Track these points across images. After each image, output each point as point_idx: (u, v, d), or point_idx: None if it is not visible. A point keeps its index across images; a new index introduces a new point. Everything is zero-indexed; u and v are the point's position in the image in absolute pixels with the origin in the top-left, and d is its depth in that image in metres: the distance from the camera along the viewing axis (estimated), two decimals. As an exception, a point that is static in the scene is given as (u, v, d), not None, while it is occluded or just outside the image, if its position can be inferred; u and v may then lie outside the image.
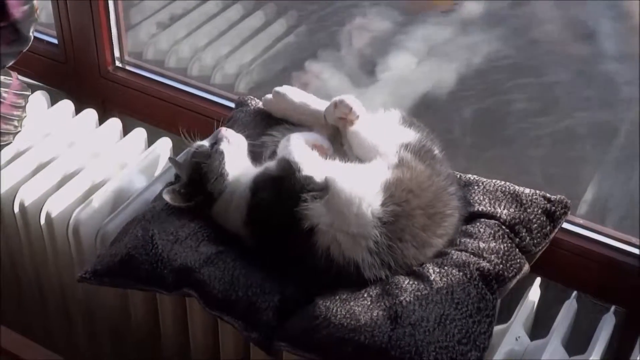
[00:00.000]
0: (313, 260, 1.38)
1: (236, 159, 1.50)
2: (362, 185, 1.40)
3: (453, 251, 1.44)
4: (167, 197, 1.49)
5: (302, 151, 1.43)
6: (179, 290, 1.46)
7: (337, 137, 1.54)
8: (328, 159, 1.46)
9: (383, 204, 1.38)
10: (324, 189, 1.39)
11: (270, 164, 1.45)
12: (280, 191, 1.40)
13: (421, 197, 1.40)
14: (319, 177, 1.40)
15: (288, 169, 1.40)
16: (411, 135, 1.48)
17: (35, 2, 1.45)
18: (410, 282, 1.38)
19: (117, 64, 2.02)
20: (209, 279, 1.42)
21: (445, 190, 1.45)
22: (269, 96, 1.66)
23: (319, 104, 1.57)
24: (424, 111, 1.85)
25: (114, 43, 1.99)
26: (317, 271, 1.39)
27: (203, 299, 1.43)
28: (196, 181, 1.49)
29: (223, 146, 1.49)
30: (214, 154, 1.48)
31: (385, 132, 1.49)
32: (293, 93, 1.62)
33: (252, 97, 1.74)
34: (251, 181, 1.45)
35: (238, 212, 1.45)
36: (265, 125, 1.64)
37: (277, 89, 1.63)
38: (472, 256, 1.42)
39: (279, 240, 1.41)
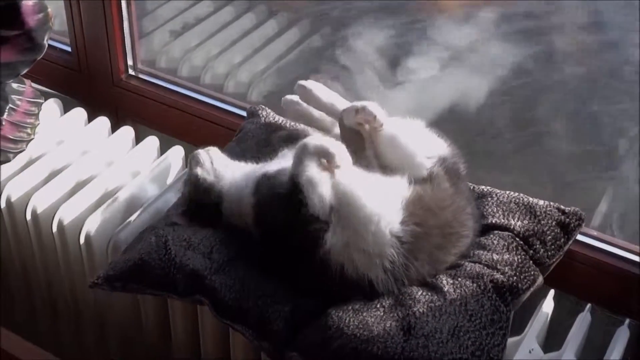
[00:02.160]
0: (325, 276, 1.37)
1: (218, 169, 1.51)
2: (382, 202, 1.38)
3: (467, 263, 1.43)
4: (181, 221, 1.51)
5: (313, 173, 1.37)
6: (191, 296, 1.46)
7: (354, 140, 1.51)
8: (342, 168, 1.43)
9: (403, 223, 1.37)
10: (332, 220, 1.36)
11: (279, 174, 1.42)
12: (287, 214, 1.38)
13: (439, 217, 1.39)
14: (325, 212, 1.36)
15: (295, 194, 1.36)
16: (445, 148, 1.47)
17: (49, 10, 1.46)
18: (424, 293, 1.37)
19: (130, 72, 2.03)
20: (220, 286, 1.42)
21: (464, 210, 1.44)
22: (289, 97, 1.64)
23: (345, 104, 1.54)
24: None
25: (127, 51, 2.00)
26: (328, 285, 1.38)
27: (214, 306, 1.43)
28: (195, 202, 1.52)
29: (194, 170, 1.51)
30: (186, 182, 1.53)
31: (422, 141, 1.46)
32: (319, 89, 1.58)
33: (263, 106, 1.74)
34: (253, 186, 1.43)
35: (246, 215, 1.45)
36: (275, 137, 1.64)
37: (302, 82, 1.59)
38: (485, 268, 1.42)
39: (289, 251, 1.40)
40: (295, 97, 1.63)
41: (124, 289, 1.52)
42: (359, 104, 1.48)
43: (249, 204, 1.44)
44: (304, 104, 1.62)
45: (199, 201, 1.51)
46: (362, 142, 1.50)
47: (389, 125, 1.47)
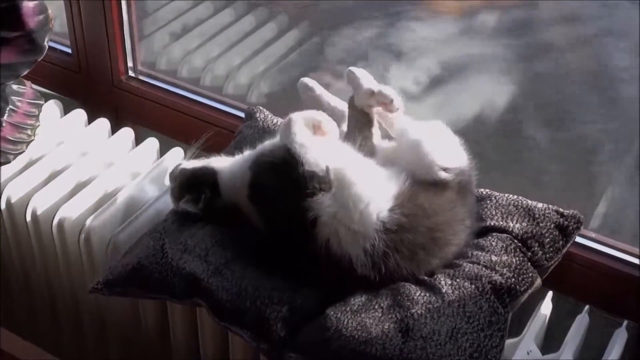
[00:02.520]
0: (313, 249, 1.38)
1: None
2: (375, 186, 1.39)
3: (465, 263, 1.43)
4: (186, 206, 1.51)
5: (304, 138, 1.40)
6: (188, 300, 1.46)
7: (360, 126, 1.53)
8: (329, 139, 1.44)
9: (391, 210, 1.38)
10: (329, 181, 1.38)
11: (269, 146, 1.45)
12: (282, 180, 1.40)
13: (431, 218, 1.39)
14: (322, 169, 1.38)
15: (290, 160, 1.39)
16: (465, 160, 1.47)
17: (50, 12, 1.46)
18: (422, 294, 1.38)
19: (130, 73, 2.03)
20: (217, 289, 1.42)
21: (462, 222, 1.44)
22: (306, 80, 1.64)
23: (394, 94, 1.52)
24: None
25: (127, 53, 2.00)
26: (315, 261, 1.39)
27: (212, 309, 1.43)
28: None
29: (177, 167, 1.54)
30: (171, 176, 1.55)
31: (445, 150, 1.45)
32: (365, 77, 1.55)
33: (260, 108, 1.75)
34: (251, 161, 1.45)
35: (241, 191, 1.45)
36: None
37: (353, 68, 1.56)
38: (484, 269, 1.42)
39: (283, 223, 1.41)
40: (310, 82, 1.63)
41: (124, 294, 1.52)
42: (374, 87, 1.49)
43: (245, 181, 1.45)
44: (317, 91, 1.63)
45: (194, 182, 1.52)
46: (368, 130, 1.52)
47: (413, 130, 1.47)
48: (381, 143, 1.54)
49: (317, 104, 1.62)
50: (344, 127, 1.57)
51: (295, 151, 1.39)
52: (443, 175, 1.42)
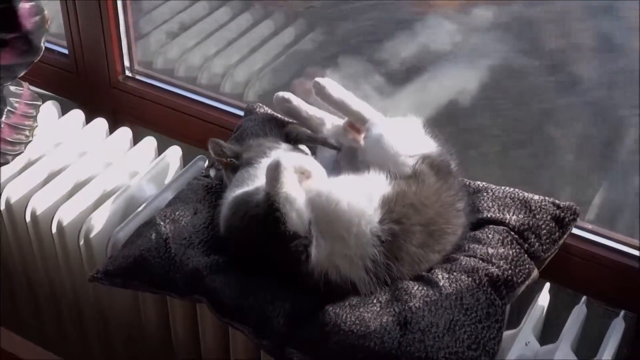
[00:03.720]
0: (308, 283, 1.38)
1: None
2: (359, 203, 1.38)
3: (462, 257, 1.44)
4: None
5: (290, 191, 1.37)
6: (190, 296, 1.47)
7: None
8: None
9: (381, 222, 1.37)
10: (311, 236, 1.36)
11: (253, 191, 1.42)
12: (266, 234, 1.38)
13: (422, 213, 1.40)
14: (305, 228, 1.37)
15: (271, 215, 1.36)
16: (432, 146, 1.48)
17: (46, 13, 1.47)
18: (420, 288, 1.39)
19: (127, 73, 2.03)
20: (219, 285, 1.43)
21: (452, 206, 1.45)
22: (281, 94, 1.66)
23: (360, 105, 1.57)
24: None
25: (124, 53, 2.01)
26: (311, 290, 1.39)
27: (214, 306, 1.44)
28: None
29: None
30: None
31: (406, 139, 1.48)
32: (333, 87, 1.59)
33: (260, 104, 1.75)
34: (231, 201, 1.43)
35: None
36: (274, 134, 1.65)
37: (319, 79, 1.60)
38: (481, 262, 1.42)
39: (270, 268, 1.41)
40: (286, 94, 1.65)
41: (124, 286, 1.53)
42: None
43: (223, 217, 1.44)
44: (294, 102, 1.65)
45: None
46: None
47: (376, 127, 1.49)
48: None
49: (294, 114, 1.65)
50: (324, 131, 1.60)
51: (279, 206, 1.36)
52: (411, 162, 1.43)
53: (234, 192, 1.45)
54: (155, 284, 1.49)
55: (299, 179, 1.40)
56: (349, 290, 1.38)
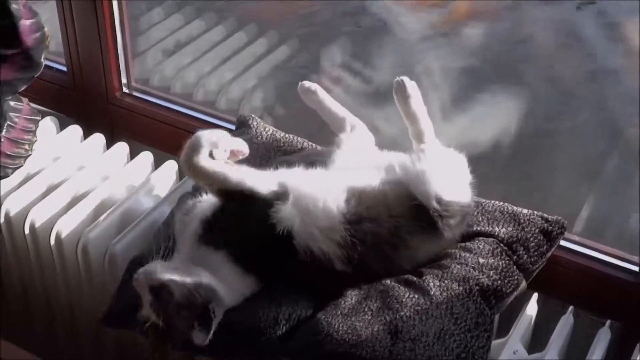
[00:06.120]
0: (297, 259, 1.39)
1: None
2: (325, 184, 1.43)
3: (454, 265, 1.45)
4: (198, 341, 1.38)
5: (248, 172, 1.43)
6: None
7: None
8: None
9: (347, 201, 1.41)
10: (284, 193, 1.41)
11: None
12: (244, 214, 1.41)
13: (396, 217, 1.42)
14: (268, 188, 1.41)
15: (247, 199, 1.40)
16: (465, 200, 1.47)
17: (46, 29, 1.50)
18: (411, 296, 1.40)
19: (125, 90, 2.05)
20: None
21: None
22: (307, 83, 1.65)
23: (427, 124, 1.56)
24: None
25: (121, 70, 2.03)
26: (303, 269, 1.41)
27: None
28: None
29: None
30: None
31: (448, 187, 1.45)
32: (415, 94, 1.56)
33: (253, 116, 1.76)
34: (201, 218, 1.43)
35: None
36: (268, 149, 1.67)
37: (406, 79, 1.55)
38: (472, 270, 1.44)
39: (259, 252, 1.42)
40: (312, 85, 1.63)
41: (125, 328, 1.54)
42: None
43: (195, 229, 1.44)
44: (320, 95, 1.63)
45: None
46: None
47: (423, 159, 1.48)
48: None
49: (317, 106, 1.64)
50: (343, 135, 1.60)
51: (240, 188, 1.40)
52: (434, 206, 1.42)
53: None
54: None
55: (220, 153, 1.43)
56: (328, 266, 1.39)
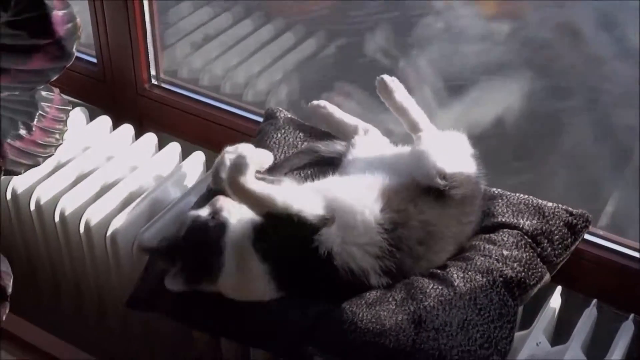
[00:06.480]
0: (338, 280, 1.40)
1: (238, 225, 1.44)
2: (360, 194, 1.43)
3: (477, 257, 1.46)
4: (170, 286, 1.43)
5: (294, 192, 1.41)
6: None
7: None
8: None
9: (382, 210, 1.41)
10: (329, 218, 1.39)
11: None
12: (289, 236, 1.40)
13: (424, 213, 1.43)
14: (314, 213, 1.39)
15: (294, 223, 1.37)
16: (471, 168, 1.50)
17: (78, 20, 1.51)
18: (435, 287, 1.41)
19: (153, 82, 2.07)
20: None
21: (456, 217, 1.47)
22: (315, 102, 1.69)
23: (419, 114, 1.59)
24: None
25: (150, 62, 2.05)
26: (342, 288, 1.41)
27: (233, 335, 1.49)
28: (195, 258, 1.43)
29: (224, 216, 1.44)
30: (213, 228, 1.43)
31: (449, 159, 1.48)
32: (398, 89, 1.59)
33: (280, 109, 1.78)
34: (251, 232, 1.42)
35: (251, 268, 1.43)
36: (295, 137, 1.69)
37: (386, 77, 1.60)
38: (495, 262, 1.45)
39: (300, 271, 1.42)
40: (321, 102, 1.69)
41: (148, 311, 1.57)
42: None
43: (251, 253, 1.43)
44: (329, 108, 1.68)
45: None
46: None
47: (423, 142, 1.52)
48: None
49: (328, 120, 1.68)
50: (355, 140, 1.62)
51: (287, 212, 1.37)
52: (443, 183, 1.45)
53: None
54: (175, 315, 1.52)
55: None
56: (365, 281, 1.40)
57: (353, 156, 1.57)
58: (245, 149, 1.45)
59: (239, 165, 1.38)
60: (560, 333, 1.62)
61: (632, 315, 1.58)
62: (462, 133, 1.55)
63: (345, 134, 1.66)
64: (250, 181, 1.38)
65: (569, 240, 1.53)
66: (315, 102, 1.69)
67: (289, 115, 1.76)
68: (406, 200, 1.43)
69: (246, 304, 1.43)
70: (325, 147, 1.64)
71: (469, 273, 1.43)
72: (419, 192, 1.45)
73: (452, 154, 1.49)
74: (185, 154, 1.92)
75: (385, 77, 1.60)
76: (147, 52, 2.04)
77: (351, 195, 1.43)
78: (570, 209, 1.55)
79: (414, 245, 1.43)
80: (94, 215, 1.73)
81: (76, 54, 1.54)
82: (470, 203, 1.49)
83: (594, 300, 1.61)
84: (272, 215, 1.38)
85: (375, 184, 1.45)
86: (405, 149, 1.58)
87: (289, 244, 1.40)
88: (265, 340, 1.45)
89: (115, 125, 2.00)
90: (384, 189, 1.44)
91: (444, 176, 1.45)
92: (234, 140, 1.74)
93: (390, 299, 1.40)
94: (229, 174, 1.39)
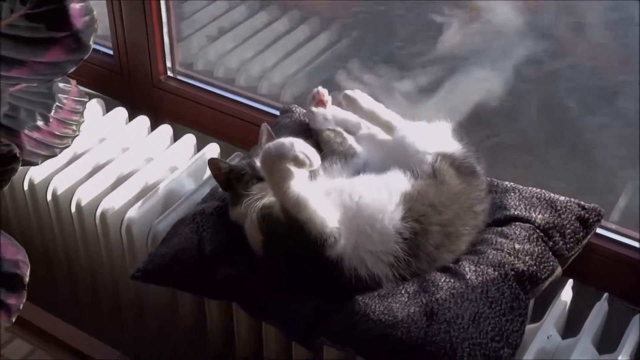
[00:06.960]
0: (342, 281, 1.40)
1: None
2: (381, 199, 1.41)
3: (489, 250, 1.47)
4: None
5: (311, 201, 1.36)
6: (221, 298, 1.52)
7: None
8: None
9: (403, 219, 1.39)
10: (339, 234, 1.38)
11: (274, 206, 1.41)
12: (296, 241, 1.39)
13: (441, 214, 1.42)
14: (330, 227, 1.37)
15: (299, 229, 1.37)
16: (455, 147, 1.49)
17: (95, 13, 1.52)
18: (447, 280, 1.42)
19: (169, 74, 2.08)
20: (250, 287, 1.47)
21: (471, 209, 1.46)
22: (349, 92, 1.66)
23: (388, 114, 1.59)
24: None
25: (166, 54, 2.06)
26: (344, 288, 1.41)
27: (245, 306, 1.50)
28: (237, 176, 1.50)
29: None
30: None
31: (428, 139, 1.49)
32: (363, 99, 1.61)
33: (295, 105, 1.80)
34: (258, 212, 1.42)
35: (253, 234, 1.46)
36: (310, 132, 1.69)
37: (349, 92, 1.61)
38: (507, 256, 1.45)
39: (301, 266, 1.43)
40: (356, 92, 1.64)
41: (160, 283, 1.58)
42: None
43: (255, 228, 1.45)
44: (361, 99, 1.64)
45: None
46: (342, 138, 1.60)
47: (401, 129, 1.52)
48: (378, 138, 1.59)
49: (361, 112, 1.65)
50: (359, 134, 1.62)
51: (297, 215, 1.36)
52: (430, 159, 1.45)
53: (256, 205, 1.43)
54: (189, 285, 1.54)
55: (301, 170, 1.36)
56: (375, 286, 1.40)
57: (377, 153, 1.57)
58: (303, 144, 1.38)
59: (289, 151, 1.34)
60: (571, 326, 1.62)
61: (643, 309, 1.59)
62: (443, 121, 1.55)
63: (379, 126, 1.62)
64: (294, 184, 1.35)
65: (581, 234, 1.53)
66: (348, 91, 1.64)
67: (304, 113, 1.76)
68: (426, 204, 1.41)
69: (261, 280, 1.45)
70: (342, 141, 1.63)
71: (481, 266, 1.44)
72: (434, 186, 1.44)
73: (430, 135, 1.50)
74: (200, 146, 1.93)
75: (348, 91, 1.61)
76: (163, 45, 2.05)
77: (372, 202, 1.40)
78: (582, 203, 1.56)
79: (431, 251, 1.42)
80: (109, 206, 1.74)
81: (93, 46, 1.56)
82: (468, 179, 1.48)
83: (605, 294, 1.61)
84: (288, 213, 1.38)
85: (398, 187, 1.43)
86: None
87: (299, 246, 1.39)
88: (282, 318, 1.46)
89: (131, 117, 2.01)
90: (406, 192, 1.42)
91: (429, 158, 1.46)
92: (248, 132, 1.77)
93: (402, 292, 1.41)
94: (275, 151, 1.35)
